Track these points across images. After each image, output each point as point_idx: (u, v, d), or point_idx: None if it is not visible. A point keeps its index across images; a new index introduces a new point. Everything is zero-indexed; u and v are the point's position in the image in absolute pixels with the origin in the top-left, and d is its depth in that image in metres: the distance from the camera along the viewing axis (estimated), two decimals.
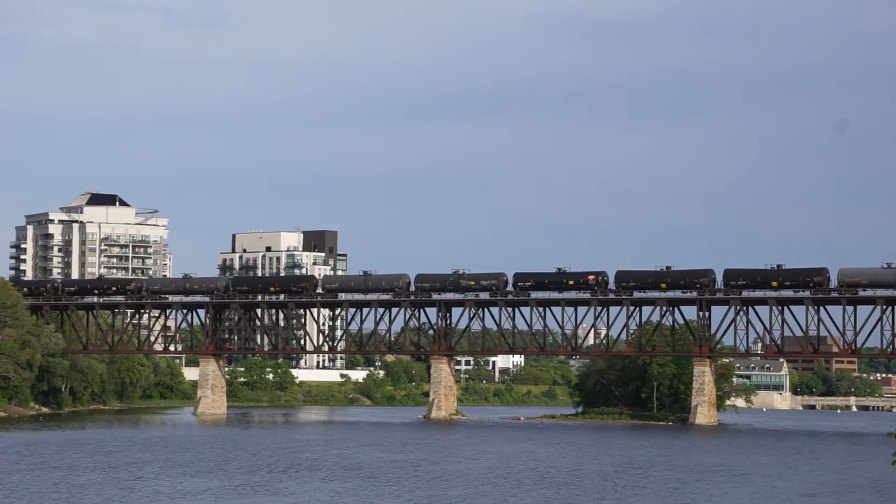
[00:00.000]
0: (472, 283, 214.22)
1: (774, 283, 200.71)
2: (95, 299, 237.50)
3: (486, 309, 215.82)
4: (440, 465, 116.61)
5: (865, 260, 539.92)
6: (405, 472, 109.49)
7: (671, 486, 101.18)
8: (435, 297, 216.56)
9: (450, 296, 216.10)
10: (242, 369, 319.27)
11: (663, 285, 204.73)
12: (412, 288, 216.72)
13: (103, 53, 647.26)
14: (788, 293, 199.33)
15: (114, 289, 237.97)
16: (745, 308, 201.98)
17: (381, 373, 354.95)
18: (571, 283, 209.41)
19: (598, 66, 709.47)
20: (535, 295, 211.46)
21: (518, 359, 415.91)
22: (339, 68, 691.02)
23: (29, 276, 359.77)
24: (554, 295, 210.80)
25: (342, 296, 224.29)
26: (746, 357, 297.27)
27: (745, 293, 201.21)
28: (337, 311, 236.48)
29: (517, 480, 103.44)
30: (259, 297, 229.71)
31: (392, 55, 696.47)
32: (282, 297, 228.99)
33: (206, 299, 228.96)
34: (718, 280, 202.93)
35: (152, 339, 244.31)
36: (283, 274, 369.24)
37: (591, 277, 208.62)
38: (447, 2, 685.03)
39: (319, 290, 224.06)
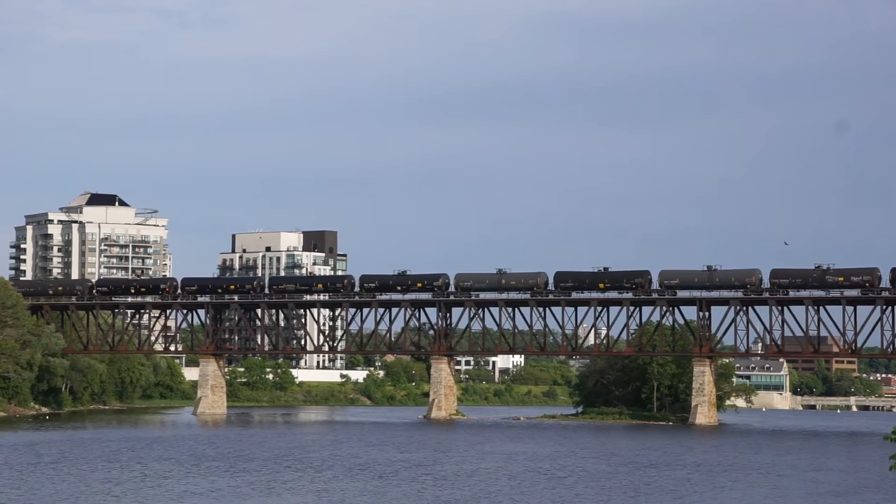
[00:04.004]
0: (513, 282, 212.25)
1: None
2: (132, 298, 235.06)
3: (485, 309, 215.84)
4: (445, 466, 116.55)
5: (865, 260, 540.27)
6: (411, 472, 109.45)
7: (674, 486, 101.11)
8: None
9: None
10: (242, 369, 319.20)
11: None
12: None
13: (103, 54, 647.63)
14: (788, 294, 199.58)
15: (143, 289, 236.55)
16: (745, 308, 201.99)
17: (381, 373, 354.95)
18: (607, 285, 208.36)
19: (596, 66, 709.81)
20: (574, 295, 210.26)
21: (518, 359, 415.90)
22: (338, 68, 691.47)
23: (29, 276, 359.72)
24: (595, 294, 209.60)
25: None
26: (746, 357, 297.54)
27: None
28: (337, 312, 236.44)
29: (523, 480, 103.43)
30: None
31: (391, 55, 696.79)
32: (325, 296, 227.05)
33: (209, 299, 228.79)
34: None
35: (152, 339, 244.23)
36: (283, 274, 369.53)
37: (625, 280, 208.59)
38: (446, 2, 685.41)
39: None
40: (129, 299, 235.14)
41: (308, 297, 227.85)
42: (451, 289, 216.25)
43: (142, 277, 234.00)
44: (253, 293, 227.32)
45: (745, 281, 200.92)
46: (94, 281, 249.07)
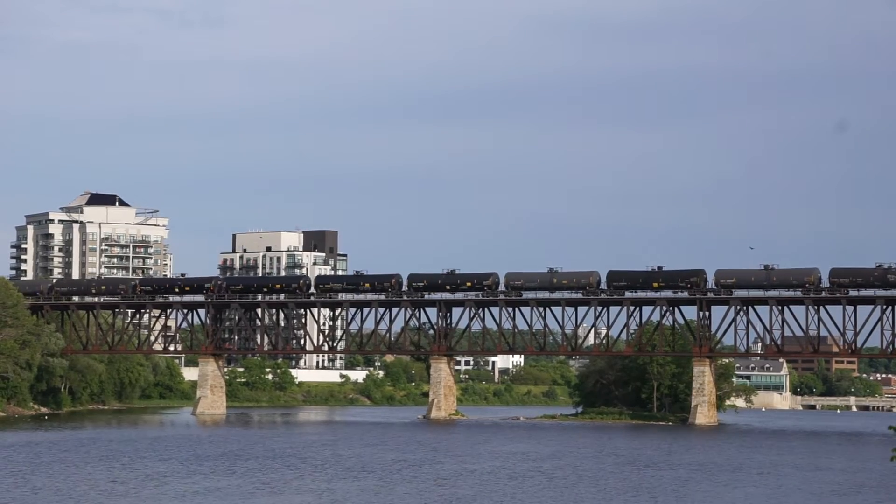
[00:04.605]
0: (566, 281, 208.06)
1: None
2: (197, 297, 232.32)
3: (486, 309, 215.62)
4: (445, 466, 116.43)
5: (865, 260, 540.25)
6: (412, 471, 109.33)
7: (676, 486, 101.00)
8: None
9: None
10: (242, 369, 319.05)
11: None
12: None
13: (103, 54, 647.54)
14: (788, 293, 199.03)
15: (187, 288, 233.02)
16: (745, 308, 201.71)
17: (381, 373, 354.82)
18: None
19: (597, 66, 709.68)
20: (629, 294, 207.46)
21: (518, 359, 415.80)
22: (338, 69, 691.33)
23: (29, 276, 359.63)
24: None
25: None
26: (746, 357, 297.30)
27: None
28: (337, 311, 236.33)
29: (524, 480, 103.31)
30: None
31: (391, 56, 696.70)
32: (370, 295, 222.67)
33: (207, 299, 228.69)
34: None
35: (152, 339, 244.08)
36: (283, 274, 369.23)
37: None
38: (447, 2, 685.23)
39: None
40: (174, 298, 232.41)
41: (356, 297, 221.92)
42: (501, 287, 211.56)
43: (186, 276, 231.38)
44: (299, 291, 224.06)
45: (803, 280, 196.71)
46: (137, 280, 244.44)
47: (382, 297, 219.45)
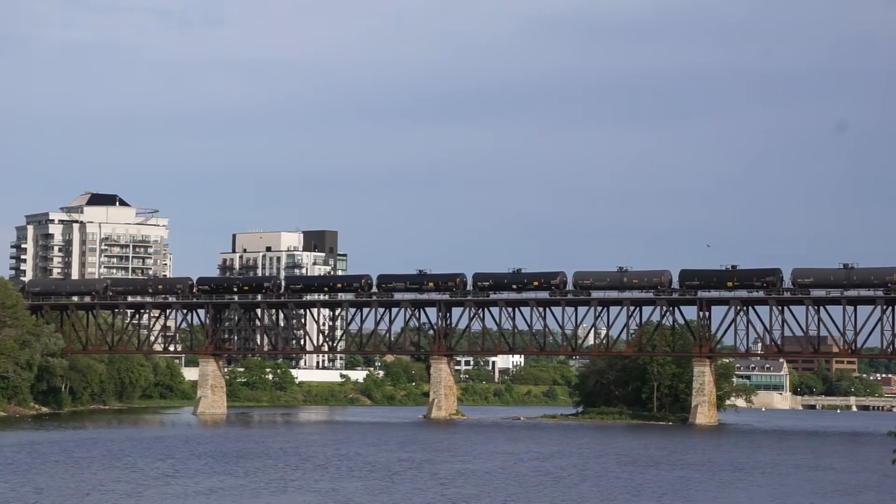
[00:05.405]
0: (636, 281, 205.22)
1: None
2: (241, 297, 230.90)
3: (485, 309, 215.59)
4: (446, 465, 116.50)
5: (864, 260, 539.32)
6: (413, 471, 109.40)
7: (680, 486, 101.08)
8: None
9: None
10: (242, 369, 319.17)
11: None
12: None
13: (103, 54, 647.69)
14: (789, 294, 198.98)
15: (245, 287, 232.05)
16: (745, 308, 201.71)
17: (381, 373, 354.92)
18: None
19: (596, 66, 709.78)
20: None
21: (518, 359, 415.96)
22: (337, 69, 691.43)
23: (29, 276, 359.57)
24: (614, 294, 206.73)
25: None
26: (746, 357, 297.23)
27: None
28: (337, 311, 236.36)
29: (526, 480, 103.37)
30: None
31: (391, 56, 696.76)
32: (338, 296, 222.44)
33: (210, 299, 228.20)
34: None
35: (152, 339, 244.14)
36: (283, 274, 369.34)
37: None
38: (446, 3, 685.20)
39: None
40: (236, 298, 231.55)
41: (419, 296, 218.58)
42: (570, 287, 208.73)
43: (245, 276, 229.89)
44: (360, 291, 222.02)
45: (885, 279, 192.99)
46: (194, 279, 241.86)
47: (447, 296, 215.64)
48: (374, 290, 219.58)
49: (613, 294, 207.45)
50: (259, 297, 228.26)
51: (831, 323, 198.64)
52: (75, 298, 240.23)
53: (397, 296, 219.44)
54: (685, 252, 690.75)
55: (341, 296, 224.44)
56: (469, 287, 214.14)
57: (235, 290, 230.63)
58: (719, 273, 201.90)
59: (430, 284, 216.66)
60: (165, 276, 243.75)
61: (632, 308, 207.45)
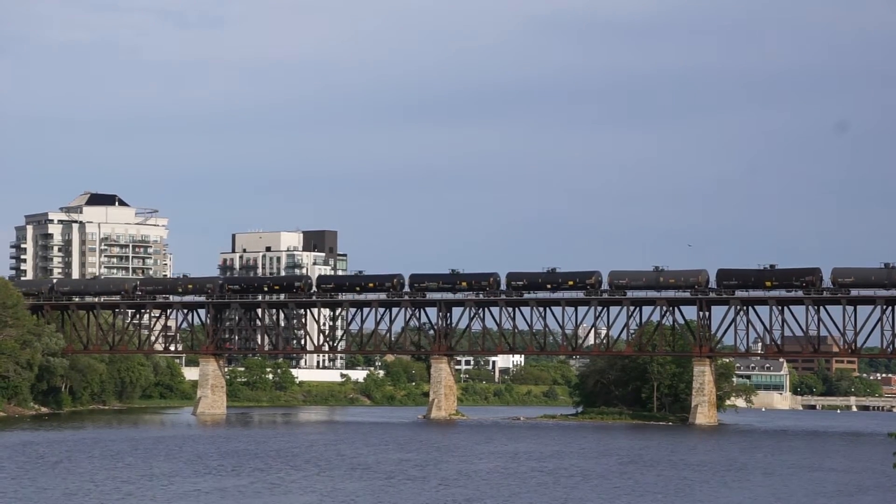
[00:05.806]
0: (672, 280, 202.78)
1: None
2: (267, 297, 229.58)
3: (486, 309, 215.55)
4: (447, 465, 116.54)
5: (865, 260, 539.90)
6: (413, 471, 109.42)
7: (678, 486, 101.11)
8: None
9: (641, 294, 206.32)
10: (242, 369, 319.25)
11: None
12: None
13: (102, 54, 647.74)
14: (787, 293, 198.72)
15: (276, 287, 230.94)
16: (745, 308, 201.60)
17: (381, 373, 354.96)
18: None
19: (596, 67, 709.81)
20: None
21: (518, 359, 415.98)
22: (337, 69, 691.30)
23: (29, 276, 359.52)
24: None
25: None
26: (746, 357, 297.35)
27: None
28: (337, 311, 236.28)
29: (527, 480, 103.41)
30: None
31: (391, 56, 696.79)
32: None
33: (207, 299, 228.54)
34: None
35: (152, 339, 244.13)
36: (283, 273, 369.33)
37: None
38: (446, 3, 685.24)
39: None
40: (265, 298, 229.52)
41: (452, 296, 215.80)
42: (605, 286, 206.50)
43: (276, 275, 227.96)
44: (392, 290, 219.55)
45: None
46: (222, 279, 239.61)
47: (481, 296, 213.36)
48: (406, 289, 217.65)
49: (641, 294, 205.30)
50: (285, 297, 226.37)
51: (831, 323, 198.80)
52: (104, 298, 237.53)
53: (430, 295, 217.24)
54: (685, 251, 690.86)
55: (370, 296, 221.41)
56: (503, 286, 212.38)
57: (266, 289, 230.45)
58: (757, 273, 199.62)
59: (463, 284, 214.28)
60: (187, 275, 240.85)
61: (632, 308, 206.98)
